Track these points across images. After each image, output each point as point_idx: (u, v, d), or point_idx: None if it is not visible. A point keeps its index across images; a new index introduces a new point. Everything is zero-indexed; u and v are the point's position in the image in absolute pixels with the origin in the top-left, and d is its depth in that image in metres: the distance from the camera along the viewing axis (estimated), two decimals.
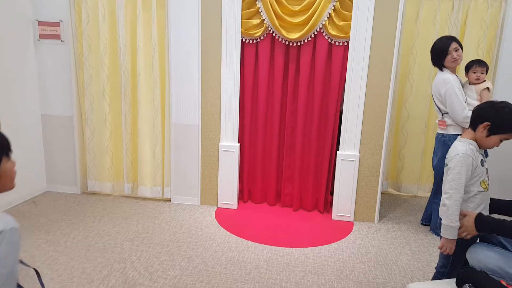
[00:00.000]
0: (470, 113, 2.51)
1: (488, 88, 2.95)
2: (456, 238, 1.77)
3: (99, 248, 2.83)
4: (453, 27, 3.67)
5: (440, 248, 1.82)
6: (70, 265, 2.59)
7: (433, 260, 2.83)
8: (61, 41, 3.54)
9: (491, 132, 1.76)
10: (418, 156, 4.01)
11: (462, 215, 1.77)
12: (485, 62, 3.00)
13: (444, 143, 3.00)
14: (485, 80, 3.00)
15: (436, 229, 3.21)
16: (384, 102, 3.23)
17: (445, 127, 3.02)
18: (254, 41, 3.35)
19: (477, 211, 1.79)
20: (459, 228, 1.77)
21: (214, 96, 3.43)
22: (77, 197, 3.78)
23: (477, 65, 2.98)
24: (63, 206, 3.54)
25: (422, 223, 3.45)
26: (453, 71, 3.02)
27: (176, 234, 3.08)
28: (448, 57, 2.94)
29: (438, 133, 3.11)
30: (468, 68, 3.05)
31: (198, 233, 3.11)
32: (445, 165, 1.84)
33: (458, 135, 2.10)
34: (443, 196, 1.79)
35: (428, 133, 3.97)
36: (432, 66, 3.74)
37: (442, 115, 3.04)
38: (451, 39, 2.97)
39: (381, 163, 3.34)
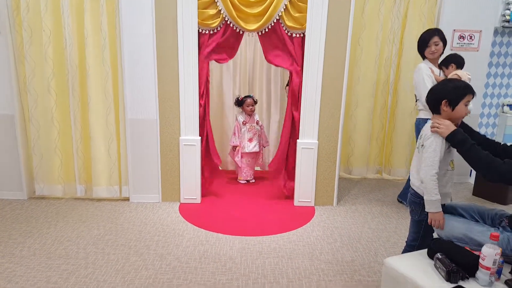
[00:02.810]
0: None
1: (457, 74, 3.10)
2: (440, 210, 1.92)
3: (60, 254, 2.65)
4: (396, 19, 3.93)
5: (430, 223, 1.97)
6: (31, 275, 2.40)
7: (391, 235, 3.06)
8: None
9: (453, 104, 1.93)
10: (367, 141, 4.26)
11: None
12: (456, 59, 3.20)
13: (416, 126, 3.29)
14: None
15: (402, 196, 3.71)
16: (339, 91, 3.38)
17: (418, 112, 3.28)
18: (211, 32, 3.31)
19: (445, 190, 1.97)
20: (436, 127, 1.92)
21: (172, 89, 3.34)
22: (24, 203, 3.48)
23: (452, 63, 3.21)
24: (9, 214, 3.25)
25: (398, 200, 3.79)
26: (434, 62, 3.23)
27: (141, 233, 2.99)
28: (427, 49, 3.16)
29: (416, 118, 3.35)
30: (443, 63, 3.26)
31: (165, 230, 3.04)
32: (421, 145, 1.99)
33: (428, 119, 2.26)
34: (421, 174, 1.94)
35: (375, 120, 4.23)
36: (378, 55, 4.01)
37: (416, 101, 3.32)
38: (435, 32, 3.15)
39: (337, 149, 3.50)
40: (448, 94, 1.92)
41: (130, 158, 3.46)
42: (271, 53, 3.38)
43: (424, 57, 3.27)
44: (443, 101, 1.93)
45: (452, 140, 1.88)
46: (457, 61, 3.20)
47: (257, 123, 4.08)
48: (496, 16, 4.12)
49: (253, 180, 4.18)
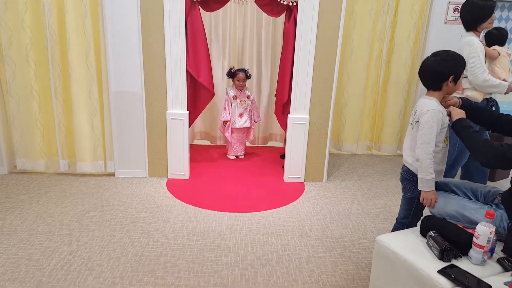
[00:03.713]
0: (489, 77, 2.61)
1: (496, 50, 2.84)
2: (434, 189, 1.89)
3: (43, 231, 2.57)
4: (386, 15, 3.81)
5: (422, 201, 1.94)
6: (12, 252, 2.32)
7: (381, 212, 3.05)
8: None
9: (456, 79, 1.88)
10: (358, 117, 4.20)
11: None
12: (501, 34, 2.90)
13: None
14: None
15: None
16: (331, 65, 3.28)
17: (460, 91, 2.82)
18: None
19: (438, 168, 1.92)
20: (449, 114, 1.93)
21: (158, 60, 3.19)
22: (5, 177, 3.36)
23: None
24: None
25: None
26: (478, 36, 2.78)
27: (128, 209, 2.91)
28: (488, 20, 2.68)
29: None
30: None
31: (152, 206, 2.97)
32: (415, 121, 1.92)
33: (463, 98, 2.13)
34: (417, 151, 1.88)
35: (367, 94, 4.16)
36: (371, 27, 3.88)
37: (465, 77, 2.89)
38: (495, 3, 2.69)
39: (329, 124, 3.44)
40: (453, 69, 1.85)
41: (115, 133, 3.34)
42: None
43: (470, 29, 2.76)
44: (450, 77, 1.86)
45: (457, 125, 1.86)
46: (501, 35, 2.88)
47: (248, 97, 3.93)
48: None
49: (243, 156, 4.10)
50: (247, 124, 3.94)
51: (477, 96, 2.73)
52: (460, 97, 2.07)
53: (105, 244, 2.46)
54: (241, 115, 3.90)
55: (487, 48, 2.80)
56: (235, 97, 3.87)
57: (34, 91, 3.24)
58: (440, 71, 1.87)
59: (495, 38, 2.92)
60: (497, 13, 4.35)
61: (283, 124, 3.66)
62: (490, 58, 2.82)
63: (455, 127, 1.88)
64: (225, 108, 3.91)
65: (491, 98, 2.81)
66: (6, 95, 3.24)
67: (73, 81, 3.20)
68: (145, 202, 3.03)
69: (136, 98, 3.27)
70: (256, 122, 4.12)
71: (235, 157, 4.06)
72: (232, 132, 3.95)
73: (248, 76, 3.87)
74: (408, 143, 2.02)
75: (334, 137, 4.35)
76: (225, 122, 3.95)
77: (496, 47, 2.88)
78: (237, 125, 3.90)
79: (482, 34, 2.96)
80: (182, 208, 2.96)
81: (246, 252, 2.42)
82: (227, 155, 4.09)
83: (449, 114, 1.93)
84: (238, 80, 3.80)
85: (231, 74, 3.84)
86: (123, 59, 3.17)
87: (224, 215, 2.88)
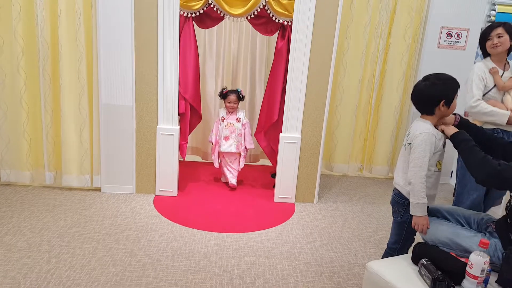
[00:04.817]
0: (477, 103, 2.47)
1: None
2: (426, 214, 1.84)
3: (22, 247, 2.46)
4: (384, 13, 3.84)
5: (413, 226, 1.88)
6: None
7: (372, 236, 2.99)
8: None
9: (449, 103, 1.85)
10: (349, 137, 4.18)
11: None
12: None
13: None
14: None
15: None
16: (324, 84, 3.27)
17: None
18: (193, 15, 3.14)
19: (430, 192, 1.88)
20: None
21: (150, 74, 3.15)
22: None
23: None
24: None
25: None
26: (499, 59, 2.61)
27: (112, 226, 2.82)
28: (488, 43, 2.58)
29: None
30: None
31: (137, 224, 2.89)
32: (408, 143, 1.89)
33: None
34: (409, 175, 1.84)
35: (359, 115, 4.15)
36: (364, 50, 3.90)
37: None
38: (499, 24, 2.57)
39: (321, 144, 3.40)
40: (444, 94, 1.83)
41: (103, 146, 3.27)
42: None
43: (485, 56, 2.69)
44: (441, 102, 1.84)
45: (456, 138, 1.82)
46: None
47: (238, 120, 3.59)
48: (483, 16, 4.07)
49: (234, 184, 3.64)
50: (232, 149, 3.57)
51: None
52: (457, 114, 2.03)
53: (86, 262, 2.36)
54: (226, 138, 3.57)
55: (497, 76, 2.58)
56: (223, 119, 3.60)
57: (23, 100, 3.17)
58: (431, 95, 1.86)
59: None
60: None
61: (266, 145, 3.61)
62: (499, 87, 2.59)
63: (454, 139, 1.82)
64: (212, 130, 3.68)
65: (496, 129, 2.55)
66: None
67: (63, 92, 3.14)
68: (130, 219, 2.94)
69: (126, 111, 3.22)
70: (247, 149, 3.70)
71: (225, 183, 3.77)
72: (222, 156, 3.66)
73: (241, 98, 3.59)
74: (400, 165, 1.99)
75: (326, 157, 4.31)
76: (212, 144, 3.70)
77: None
78: (221, 149, 3.57)
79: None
80: (168, 226, 2.87)
81: (232, 275, 2.34)
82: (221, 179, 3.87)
83: (443, 132, 1.89)
84: (229, 102, 3.53)
85: (223, 95, 3.59)
86: (114, 71, 3.13)
87: (211, 235, 2.80)
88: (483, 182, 1.69)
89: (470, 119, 2.61)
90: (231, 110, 3.59)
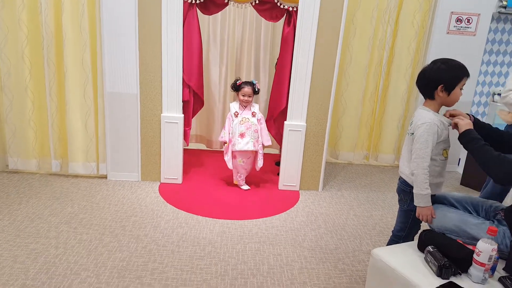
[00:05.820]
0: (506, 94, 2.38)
1: None
2: (430, 205, 1.82)
3: (30, 233, 2.50)
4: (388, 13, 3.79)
5: (417, 216, 1.87)
6: None
7: (377, 223, 2.98)
8: None
9: (449, 89, 1.80)
10: (355, 125, 4.14)
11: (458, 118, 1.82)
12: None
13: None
14: None
15: None
16: (330, 72, 3.23)
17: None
18: (197, 1, 3.10)
19: (436, 181, 1.86)
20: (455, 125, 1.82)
21: (154, 62, 3.14)
22: None
23: None
24: None
25: None
26: None
27: (118, 213, 2.84)
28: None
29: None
30: None
31: (143, 210, 2.90)
32: (410, 133, 1.87)
33: None
34: (411, 166, 1.82)
35: (365, 103, 4.10)
36: (372, 37, 3.84)
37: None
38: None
39: (326, 132, 3.38)
40: (444, 78, 1.79)
41: (108, 134, 3.28)
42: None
43: None
44: (439, 86, 1.80)
45: (464, 137, 1.75)
46: None
47: (253, 115, 3.26)
48: (494, 0, 3.98)
49: (248, 188, 3.40)
50: (249, 147, 3.21)
51: (506, 118, 2.60)
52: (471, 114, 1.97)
53: (93, 248, 2.39)
54: (242, 135, 3.21)
55: None
56: (236, 114, 3.25)
57: (29, 89, 3.18)
58: (431, 78, 1.82)
59: None
60: (492, 25, 4.33)
61: (276, 133, 3.59)
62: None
63: (462, 139, 1.75)
64: (224, 127, 3.30)
65: None
66: (0, 93, 3.18)
67: (68, 81, 3.14)
68: (136, 206, 2.96)
69: (131, 99, 3.21)
70: (265, 146, 3.37)
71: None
72: (234, 156, 3.32)
73: (256, 91, 3.26)
74: (405, 154, 1.96)
75: (331, 145, 4.28)
76: (224, 143, 3.33)
77: None
78: (237, 148, 3.20)
79: None
80: (173, 213, 2.89)
81: (237, 261, 2.35)
82: (234, 182, 3.50)
83: (456, 127, 1.83)
84: (243, 95, 3.19)
85: (236, 87, 3.25)
86: (119, 60, 3.12)
87: (216, 221, 2.81)
88: (501, 181, 1.63)
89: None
90: (245, 104, 3.25)
